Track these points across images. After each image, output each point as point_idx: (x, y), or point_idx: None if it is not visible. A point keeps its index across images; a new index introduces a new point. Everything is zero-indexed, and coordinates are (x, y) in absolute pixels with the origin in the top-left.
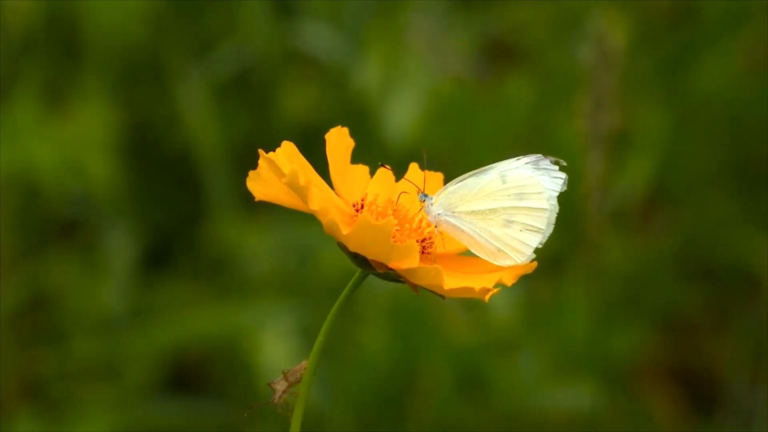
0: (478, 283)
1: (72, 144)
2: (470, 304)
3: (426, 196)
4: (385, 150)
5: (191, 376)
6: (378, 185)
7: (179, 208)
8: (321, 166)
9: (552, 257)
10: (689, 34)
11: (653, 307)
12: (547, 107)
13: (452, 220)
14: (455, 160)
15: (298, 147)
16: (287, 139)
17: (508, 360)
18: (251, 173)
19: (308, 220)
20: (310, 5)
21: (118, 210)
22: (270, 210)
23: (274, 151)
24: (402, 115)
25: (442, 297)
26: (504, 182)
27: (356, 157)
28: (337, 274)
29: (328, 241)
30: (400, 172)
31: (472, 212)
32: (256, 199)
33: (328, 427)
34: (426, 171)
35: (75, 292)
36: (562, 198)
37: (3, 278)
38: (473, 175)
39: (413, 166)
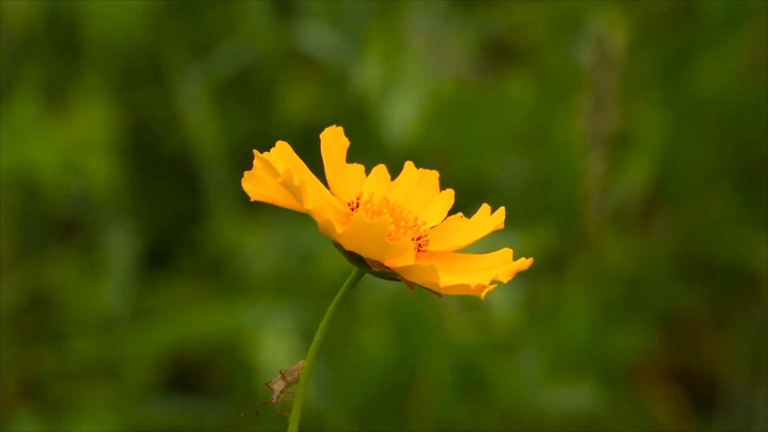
0: (474, 279)
1: (72, 144)
2: (470, 303)
3: None
4: (384, 150)
5: (191, 376)
6: (373, 184)
7: (179, 208)
8: (321, 166)
9: (552, 257)
10: (689, 34)
11: (653, 307)
12: (547, 107)
13: None
14: (455, 160)
15: (298, 147)
16: (287, 139)
17: (508, 360)
18: (246, 174)
19: (308, 220)
20: (310, 5)
21: (118, 210)
22: (270, 210)
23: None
24: (402, 115)
25: (439, 294)
26: None
27: (356, 158)
28: (337, 273)
29: (328, 241)
30: (399, 173)
31: None
32: (252, 200)
33: (328, 426)
34: (421, 170)
35: (75, 292)
36: (562, 198)
37: (3, 278)
38: None
39: (408, 165)
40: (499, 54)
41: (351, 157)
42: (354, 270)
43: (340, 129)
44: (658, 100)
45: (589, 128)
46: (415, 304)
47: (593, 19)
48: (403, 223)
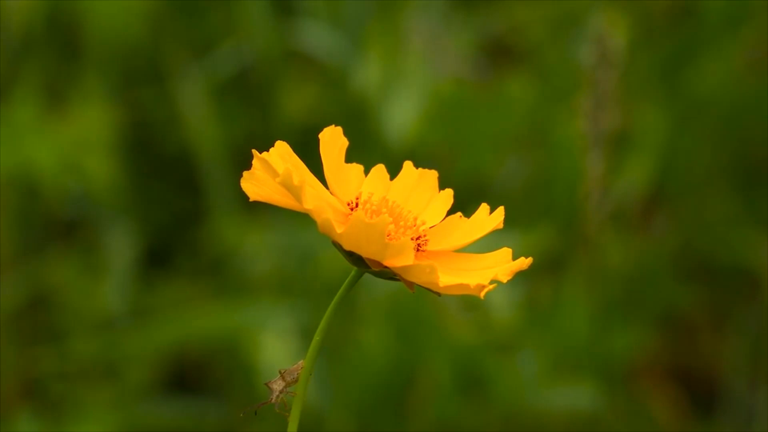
0: (474, 279)
1: (72, 144)
2: (470, 303)
3: None
4: (385, 150)
5: (191, 376)
6: (373, 184)
7: (179, 208)
8: (321, 166)
9: (552, 257)
10: (689, 34)
11: (653, 307)
12: (547, 107)
13: None
14: (455, 160)
15: (297, 147)
16: (287, 139)
17: (508, 360)
18: (245, 174)
19: (307, 219)
20: (310, 5)
21: (118, 210)
22: (270, 210)
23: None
24: (402, 115)
25: (438, 294)
26: None
27: (356, 157)
28: (337, 273)
29: (328, 241)
30: (398, 172)
31: None
32: (251, 200)
33: (327, 427)
34: (420, 169)
35: (75, 292)
36: (562, 198)
37: (3, 278)
38: None
39: (407, 164)
40: (499, 54)
41: (351, 157)
42: (353, 270)
43: (339, 129)
44: (658, 100)
45: (589, 128)
46: (415, 304)
47: (593, 19)
48: (402, 223)
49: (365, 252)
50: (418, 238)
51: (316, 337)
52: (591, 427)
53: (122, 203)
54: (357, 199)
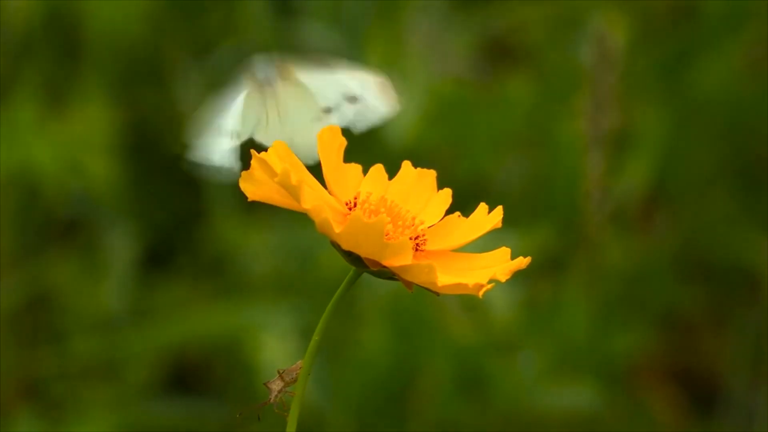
0: (472, 278)
1: (72, 144)
2: (470, 303)
3: None
4: (384, 150)
5: (191, 376)
6: (371, 184)
7: (179, 208)
8: (319, 166)
9: (552, 257)
10: (689, 34)
11: (653, 307)
12: (547, 107)
13: None
14: (455, 160)
15: None
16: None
17: (508, 360)
18: (244, 173)
19: (307, 219)
20: (310, 5)
21: (118, 210)
22: (270, 210)
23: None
24: (402, 114)
25: (437, 294)
26: None
27: (355, 157)
28: (337, 273)
29: (328, 241)
30: (397, 172)
31: None
32: (249, 200)
33: (327, 427)
34: (419, 169)
35: (75, 292)
36: (562, 198)
37: (3, 278)
38: None
39: (406, 164)
40: (499, 54)
41: (350, 156)
42: (352, 269)
43: (338, 128)
44: (658, 100)
45: (589, 128)
46: (415, 304)
47: (593, 19)
48: (400, 223)
49: (364, 251)
50: (416, 238)
51: (315, 337)
52: (591, 427)
53: (122, 203)
54: (355, 198)
